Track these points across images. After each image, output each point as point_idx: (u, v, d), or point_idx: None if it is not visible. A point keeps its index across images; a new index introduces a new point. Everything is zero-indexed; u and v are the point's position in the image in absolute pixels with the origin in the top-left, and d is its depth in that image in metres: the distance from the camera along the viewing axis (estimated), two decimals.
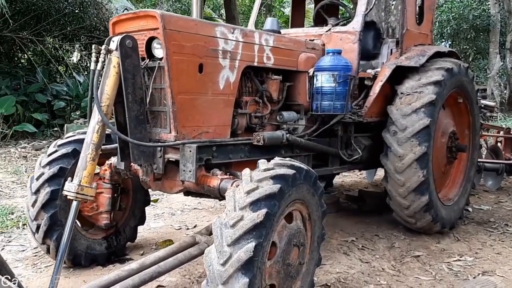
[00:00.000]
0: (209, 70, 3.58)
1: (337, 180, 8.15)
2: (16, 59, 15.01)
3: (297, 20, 6.32)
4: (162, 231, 5.37)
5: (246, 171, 3.00)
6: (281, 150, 4.20)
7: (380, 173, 7.00)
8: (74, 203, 3.20)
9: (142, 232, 5.26)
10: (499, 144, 8.52)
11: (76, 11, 14.34)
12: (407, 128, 4.77)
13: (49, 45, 14.87)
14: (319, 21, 5.93)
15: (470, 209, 6.46)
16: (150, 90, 3.47)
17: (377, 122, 5.17)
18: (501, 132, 8.79)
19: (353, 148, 4.98)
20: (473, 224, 5.89)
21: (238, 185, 2.99)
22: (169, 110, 3.38)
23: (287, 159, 3.22)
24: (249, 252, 2.56)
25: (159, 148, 3.49)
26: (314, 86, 4.45)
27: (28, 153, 10.00)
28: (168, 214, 6.10)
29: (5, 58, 14.17)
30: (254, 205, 2.72)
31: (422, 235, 5.30)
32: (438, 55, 5.31)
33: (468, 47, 21.63)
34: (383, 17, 6.84)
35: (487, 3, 20.92)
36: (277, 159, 3.16)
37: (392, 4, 6.59)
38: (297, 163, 3.15)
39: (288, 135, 4.06)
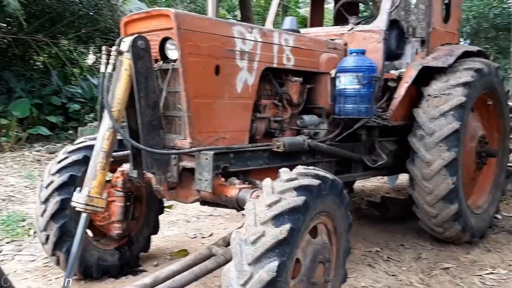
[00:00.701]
0: (226, 72, 3.37)
1: (357, 185, 7.86)
2: (31, 61, 14.98)
3: (316, 19, 6.08)
4: (176, 239, 5.16)
5: (267, 182, 2.77)
6: (302, 156, 3.97)
7: (402, 177, 6.71)
8: (84, 215, 3.00)
9: (156, 240, 5.05)
10: None
11: (91, 13, 14.26)
12: (435, 132, 4.50)
13: (64, 48, 14.84)
14: (339, 20, 5.67)
15: (499, 217, 6.12)
16: (164, 94, 3.26)
17: (402, 125, 4.91)
18: None
19: (377, 153, 4.73)
20: (504, 233, 5.57)
21: (258, 196, 2.76)
22: (184, 115, 3.17)
23: (310, 167, 2.99)
24: (272, 272, 2.33)
25: (173, 156, 3.28)
26: (337, 88, 4.20)
27: (42, 156, 9.90)
28: (183, 221, 5.90)
29: (20, 61, 14.15)
30: (277, 219, 2.50)
31: (450, 245, 5.02)
32: (467, 55, 5.02)
33: (488, 47, 21.14)
34: (402, 16, 6.56)
35: (507, 1, 20.42)
36: (300, 168, 2.93)
37: (413, 4, 6.29)
38: (322, 172, 2.91)
39: (309, 140, 3.83)
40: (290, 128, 4.14)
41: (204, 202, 3.65)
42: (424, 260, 4.62)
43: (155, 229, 4.52)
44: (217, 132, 3.36)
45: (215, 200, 3.34)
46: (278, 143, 3.60)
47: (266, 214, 2.52)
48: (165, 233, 5.33)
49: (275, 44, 3.75)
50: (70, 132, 12.31)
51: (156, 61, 3.30)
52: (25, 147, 10.88)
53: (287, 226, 2.47)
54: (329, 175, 2.93)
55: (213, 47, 3.26)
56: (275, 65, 3.76)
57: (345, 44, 4.65)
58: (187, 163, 3.28)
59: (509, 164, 6.45)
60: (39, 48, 13.36)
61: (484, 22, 18.25)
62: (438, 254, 4.80)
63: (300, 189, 2.66)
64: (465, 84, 4.65)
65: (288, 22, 4.54)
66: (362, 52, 4.19)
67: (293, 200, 2.57)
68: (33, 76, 13.28)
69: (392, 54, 5.38)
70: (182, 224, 5.75)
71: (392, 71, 4.99)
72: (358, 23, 5.05)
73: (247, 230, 2.53)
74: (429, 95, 4.72)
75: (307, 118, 4.16)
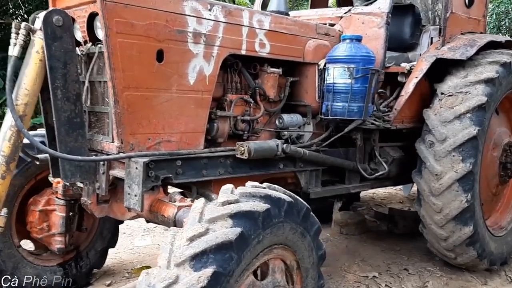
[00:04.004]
0: (173, 58, 2.68)
1: (367, 192, 7.06)
2: None
3: (319, 1, 5.28)
4: (146, 251, 4.51)
5: (198, 203, 2.07)
6: (279, 164, 3.26)
7: None
8: None
9: (122, 252, 4.46)
10: None
11: None
12: (448, 138, 3.71)
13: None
14: (344, 2, 4.90)
15: None
16: (87, 84, 2.62)
17: (410, 129, 4.13)
18: None
19: (377, 162, 3.96)
20: None
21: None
22: (111, 112, 2.51)
23: (265, 185, 2.28)
24: None
25: (102, 162, 2.62)
26: (325, 82, 3.46)
27: None
28: (161, 228, 5.24)
29: None
30: (198, 260, 1.82)
31: (464, 272, 4.23)
32: (492, 45, 4.17)
33: None
34: (429, 5, 5.74)
35: None
36: (248, 185, 2.23)
37: None
38: (276, 193, 2.20)
39: (285, 145, 3.11)
40: (268, 129, 3.42)
41: None
42: None
43: (111, 242, 3.91)
44: (158, 134, 2.68)
45: (152, 220, 2.67)
46: (242, 148, 2.90)
47: (183, 253, 1.84)
48: (136, 243, 4.71)
49: (245, 26, 3.04)
50: None
51: (86, 43, 2.65)
52: None
53: (208, 271, 1.78)
54: (286, 197, 2.21)
55: (154, 26, 2.58)
56: (243, 52, 3.06)
57: (341, 30, 3.88)
58: (118, 172, 2.62)
59: None
60: None
61: None
62: (448, 284, 4.02)
63: (237, 217, 1.96)
64: (487, 81, 3.83)
65: (275, 2, 3.79)
66: (358, 39, 3.43)
67: (223, 233, 1.88)
68: None
69: (406, 44, 4.61)
70: (158, 232, 5.09)
71: (404, 64, 4.20)
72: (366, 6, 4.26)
73: (157, 274, 1.85)
74: (442, 94, 3.92)
75: (287, 117, 3.43)
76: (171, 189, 3.06)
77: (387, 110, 3.99)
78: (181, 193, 3.24)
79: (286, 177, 3.56)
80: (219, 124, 3.04)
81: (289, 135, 3.47)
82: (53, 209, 3.33)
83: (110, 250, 4.05)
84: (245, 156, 2.89)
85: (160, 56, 2.62)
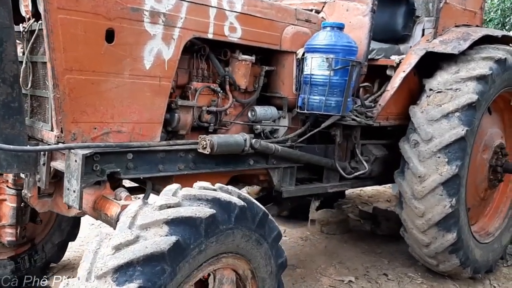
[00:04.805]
0: (126, 39, 2.40)
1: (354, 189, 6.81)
2: None
3: None
4: None
5: (133, 206, 1.82)
6: (248, 160, 3.01)
7: None
8: None
9: (88, 245, 4.19)
10: None
11: None
12: (434, 138, 3.45)
13: None
14: None
15: None
16: (24, 64, 2.35)
17: (396, 126, 3.87)
18: None
19: (358, 160, 3.70)
20: None
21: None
22: (50, 96, 2.24)
23: (217, 185, 2.03)
24: None
25: (42, 153, 2.36)
26: (303, 73, 3.19)
27: None
28: None
29: None
30: (122, 273, 1.57)
31: (446, 279, 4.00)
32: (488, 40, 3.89)
33: None
34: None
35: None
36: (196, 186, 1.97)
37: None
38: (226, 196, 1.95)
39: (254, 140, 2.85)
40: (237, 122, 3.16)
41: None
42: None
43: (71, 235, 3.67)
44: (106, 123, 2.40)
45: (97, 218, 2.42)
46: (204, 142, 2.64)
47: (106, 263, 1.58)
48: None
49: (212, 7, 2.76)
50: None
51: (30, 19, 2.38)
52: None
53: (133, 286, 1.53)
54: (238, 200, 1.95)
55: (104, 2, 2.29)
56: (210, 36, 2.77)
57: (324, 17, 3.59)
58: (60, 164, 2.36)
59: None
60: None
61: None
62: None
63: (174, 224, 1.71)
64: (480, 78, 3.56)
65: None
66: (339, 27, 3.14)
67: (155, 242, 1.62)
68: None
69: (398, 36, 4.33)
70: None
71: (393, 57, 3.92)
72: None
73: (75, 286, 1.60)
74: (431, 90, 3.66)
75: (260, 110, 3.17)
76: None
77: (373, 105, 3.73)
78: (135, 189, 3.01)
79: (257, 174, 3.31)
80: (180, 115, 2.77)
81: (262, 129, 3.21)
82: (3, 199, 3.09)
83: (75, 243, 3.82)
84: (207, 151, 2.63)
85: (110, 36, 2.34)
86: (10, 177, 2.98)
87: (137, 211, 1.76)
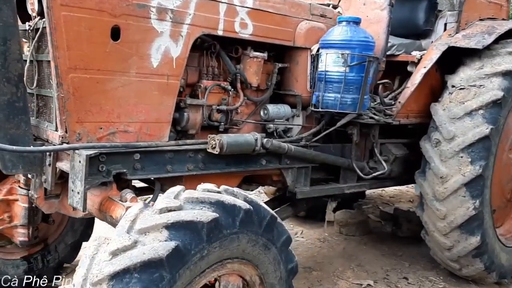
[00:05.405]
0: (132, 37, 2.34)
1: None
2: None
3: None
4: None
5: (134, 209, 1.75)
6: (261, 160, 2.92)
7: None
8: None
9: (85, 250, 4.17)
10: None
11: None
12: (456, 137, 3.30)
13: None
14: None
15: None
16: (28, 63, 2.32)
17: (416, 124, 3.73)
18: None
19: (377, 160, 3.57)
20: None
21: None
22: (54, 96, 2.19)
23: (221, 188, 1.95)
24: None
25: (48, 153, 2.32)
26: (318, 70, 3.08)
27: None
28: None
29: None
30: (118, 280, 1.51)
31: (470, 284, 3.82)
32: None
33: None
34: None
35: None
36: (199, 189, 1.90)
37: None
38: (231, 199, 1.86)
39: (265, 139, 2.76)
40: (248, 121, 3.07)
41: None
42: None
43: (84, 235, 3.64)
44: (112, 122, 2.35)
45: (103, 220, 2.37)
46: (214, 142, 2.56)
47: (102, 270, 1.52)
48: None
49: (222, 2, 2.68)
50: None
51: (36, 17, 2.34)
52: None
53: None
54: (244, 204, 1.87)
55: None
56: (220, 33, 2.69)
57: (341, 12, 3.47)
58: (65, 165, 2.31)
59: None
60: None
61: None
62: None
63: (175, 228, 1.64)
64: (505, 74, 3.40)
65: None
66: (355, 22, 3.02)
67: (153, 248, 1.55)
68: None
69: (419, 31, 4.17)
70: None
71: (414, 53, 3.78)
72: None
73: None
74: (453, 87, 3.50)
75: (273, 108, 3.07)
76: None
77: (392, 103, 3.60)
78: (146, 189, 2.95)
79: (270, 175, 3.22)
80: (189, 114, 2.69)
81: (275, 128, 3.11)
82: (15, 199, 3.05)
83: (89, 243, 3.80)
84: (216, 151, 2.55)
85: (115, 33, 2.28)
86: (21, 177, 2.95)
87: (137, 214, 1.70)
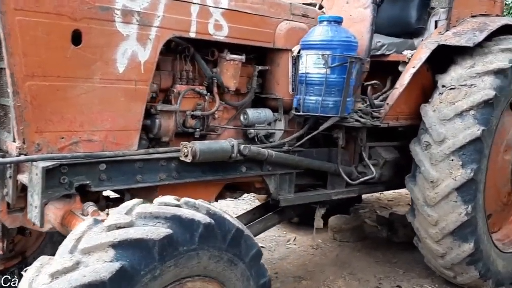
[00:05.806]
0: (95, 41, 2.23)
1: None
2: None
3: None
4: None
5: (82, 225, 1.63)
6: (240, 167, 2.80)
7: None
8: None
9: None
10: None
11: None
12: (446, 139, 3.16)
13: None
14: None
15: None
16: None
17: (407, 127, 3.59)
18: None
19: (365, 164, 3.44)
20: None
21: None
22: (11, 105, 2.08)
23: (181, 201, 1.82)
24: None
25: (8, 165, 2.21)
26: (298, 72, 2.95)
27: None
28: None
29: None
30: None
31: None
32: (507, 31, 3.56)
33: None
34: None
35: None
36: (156, 202, 1.77)
37: None
38: (189, 213, 1.74)
39: (242, 146, 2.63)
40: (226, 127, 2.95)
41: None
42: None
43: None
44: (75, 131, 2.23)
45: (66, 234, 2.24)
46: (186, 150, 2.45)
47: None
48: None
49: (194, 3, 2.56)
50: None
51: None
52: None
53: None
54: (204, 217, 1.74)
55: (68, 2, 2.12)
56: (192, 35, 2.58)
57: (324, 11, 3.34)
58: (25, 177, 2.20)
59: None
60: None
61: None
62: None
63: (122, 247, 1.51)
64: (498, 72, 3.25)
65: None
66: (337, 21, 2.89)
67: (94, 270, 1.43)
68: None
69: (411, 29, 4.03)
70: None
71: (405, 52, 3.64)
72: None
73: None
74: (444, 86, 3.36)
75: (252, 113, 2.95)
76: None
77: (383, 103, 3.47)
78: (120, 200, 2.83)
79: (252, 182, 3.09)
80: (162, 120, 2.58)
81: (256, 133, 2.99)
82: None
83: None
84: (189, 159, 2.43)
85: (76, 38, 2.17)
86: None
87: (83, 232, 1.58)
